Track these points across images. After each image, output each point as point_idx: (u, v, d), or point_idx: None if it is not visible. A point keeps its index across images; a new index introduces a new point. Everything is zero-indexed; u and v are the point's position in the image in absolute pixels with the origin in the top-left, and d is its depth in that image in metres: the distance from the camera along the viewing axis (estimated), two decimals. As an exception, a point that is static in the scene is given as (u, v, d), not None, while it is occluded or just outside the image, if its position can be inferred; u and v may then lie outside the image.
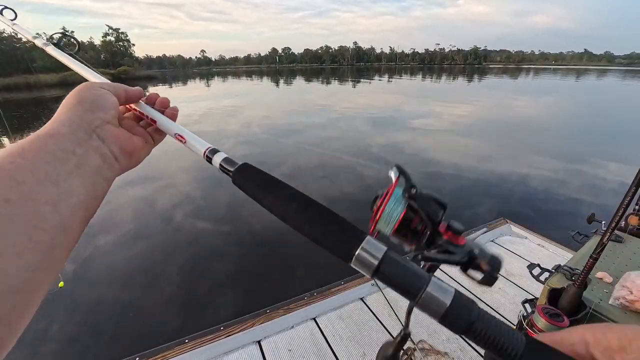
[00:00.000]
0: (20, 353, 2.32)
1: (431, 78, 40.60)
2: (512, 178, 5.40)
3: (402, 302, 1.83)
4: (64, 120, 0.32)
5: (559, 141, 8.33)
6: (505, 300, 1.87)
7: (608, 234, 0.90)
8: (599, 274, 1.19)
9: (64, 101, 0.34)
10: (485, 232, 2.48)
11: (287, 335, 1.58)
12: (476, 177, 5.45)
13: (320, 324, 1.66)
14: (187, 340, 1.54)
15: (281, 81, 38.90)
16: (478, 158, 6.57)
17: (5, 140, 10.50)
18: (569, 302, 0.82)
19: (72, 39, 0.61)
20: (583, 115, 13.36)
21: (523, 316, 0.85)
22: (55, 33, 0.60)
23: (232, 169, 0.37)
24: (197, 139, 0.45)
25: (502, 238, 2.51)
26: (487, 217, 3.94)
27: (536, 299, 0.96)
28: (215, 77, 56.06)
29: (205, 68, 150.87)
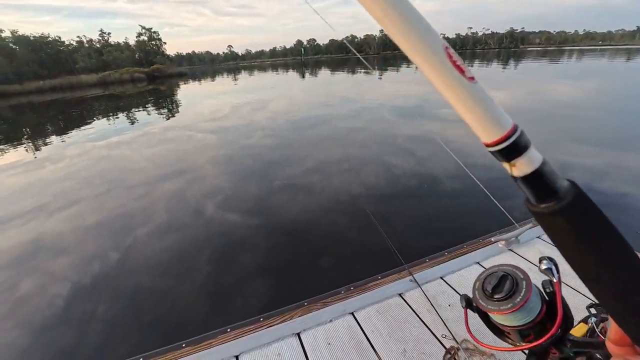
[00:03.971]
0: (71, 332, 2.52)
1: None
2: (557, 168, 5.04)
3: (442, 299, 1.78)
4: None
5: (606, 129, 7.66)
6: None
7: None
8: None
9: None
10: (532, 228, 2.34)
11: (326, 329, 1.59)
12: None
13: (358, 319, 1.65)
14: (229, 330, 1.59)
15: (306, 73, 38.78)
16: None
17: (55, 139, 11.35)
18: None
19: None
20: (635, 99, 12.16)
21: (595, 322, 0.78)
22: None
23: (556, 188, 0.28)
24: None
25: (548, 234, 2.35)
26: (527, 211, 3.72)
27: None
28: (242, 72, 56.99)
29: (232, 63, 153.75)
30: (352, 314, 1.68)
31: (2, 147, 10.54)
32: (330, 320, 1.64)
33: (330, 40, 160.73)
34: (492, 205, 4.05)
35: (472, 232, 2.73)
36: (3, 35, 54.31)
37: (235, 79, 37.72)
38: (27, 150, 9.56)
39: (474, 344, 1.49)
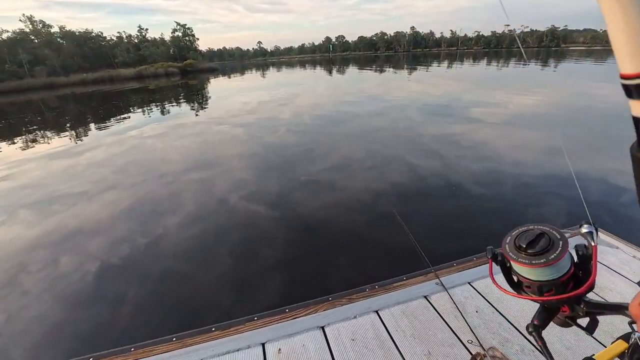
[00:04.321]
0: (104, 311, 2.70)
1: (497, 64, 37.03)
2: (596, 177, 4.73)
3: (469, 305, 1.74)
4: None
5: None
6: (614, 330, 1.66)
7: None
8: None
9: None
10: (570, 237, 2.22)
11: (350, 325, 1.61)
12: (549, 175, 4.89)
13: (382, 317, 1.65)
14: (255, 318, 1.65)
15: (334, 70, 38.69)
16: (551, 153, 5.87)
17: (94, 128, 12.08)
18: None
19: None
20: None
21: (639, 338, 0.75)
22: None
23: None
24: None
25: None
26: (565, 221, 3.53)
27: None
28: (270, 68, 57.77)
29: (261, 59, 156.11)
30: (377, 312, 1.69)
31: (49, 134, 11.37)
32: (355, 317, 1.65)
33: (359, 37, 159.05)
34: (521, 211, 3.89)
35: (500, 239, 2.64)
36: (52, 30, 58.37)
37: (264, 75, 38.32)
38: (69, 138, 10.26)
39: (502, 353, 1.45)
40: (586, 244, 0.65)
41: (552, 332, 1.55)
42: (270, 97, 16.43)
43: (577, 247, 0.66)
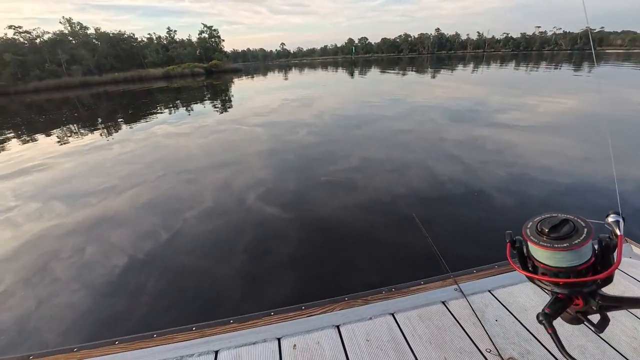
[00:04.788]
0: (124, 301, 2.82)
1: (526, 66, 35.65)
2: (630, 188, 4.47)
3: (488, 313, 1.70)
4: None
5: None
6: (620, 333, 1.59)
7: None
8: None
9: None
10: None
11: (365, 326, 1.61)
12: (579, 184, 4.67)
13: (398, 320, 1.64)
14: (272, 313, 1.68)
15: (356, 72, 38.57)
16: (583, 161, 5.60)
17: (124, 125, 12.63)
18: None
19: None
20: None
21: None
22: None
23: None
24: None
25: (619, 258, 2.12)
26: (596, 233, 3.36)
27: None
28: (293, 69, 58.34)
29: (283, 60, 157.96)
30: (393, 315, 1.68)
31: (82, 130, 12.01)
32: (370, 318, 1.65)
33: (382, 39, 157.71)
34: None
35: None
36: (88, 32, 61.62)
37: (286, 76, 38.75)
38: (100, 134, 10.79)
39: (523, 364, 1.41)
40: (610, 235, 0.64)
41: (575, 345, 1.49)
42: (292, 97, 16.60)
43: (600, 238, 0.64)
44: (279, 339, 1.54)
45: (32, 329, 2.61)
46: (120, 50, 63.37)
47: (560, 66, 33.26)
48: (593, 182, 4.66)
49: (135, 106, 19.13)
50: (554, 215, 0.66)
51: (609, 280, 0.63)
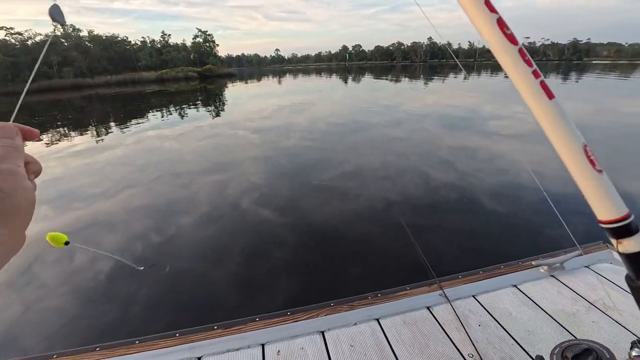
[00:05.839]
0: (114, 312, 2.78)
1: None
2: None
3: (472, 318, 1.72)
4: None
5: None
6: (599, 337, 1.62)
7: None
8: None
9: None
10: (580, 256, 2.16)
11: (350, 331, 1.61)
12: (567, 191, 4.77)
13: (383, 326, 1.65)
14: (257, 319, 1.67)
15: (349, 78, 38.93)
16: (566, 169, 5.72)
17: (116, 128, 12.50)
18: None
19: None
20: None
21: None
22: None
23: None
24: None
25: (600, 265, 2.17)
26: (580, 239, 3.42)
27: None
28: (287, 75, 58.64)
29: (278, 66, 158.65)
30: (378, 320, 1.69)
31: (72, 132, 11.86)
32: (355, 324, 1.65)
33: (375, 46, 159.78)
34: (531, 227, 3.80)
35: (509, 255, 2.59)
36: (81, 34, 61.19)
37: (280, 82, 38.90)
38: (92, 137, 10.67)
39: (504, 369, 1.43)
40: None
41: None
42: (286, 103, 16.66)
43: None
44: (263, 345, 1.53)
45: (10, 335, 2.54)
46: (113, 53, 62.95)
47: (548, 76, 34.07)
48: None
49: (128, 109, 18.97)
50: (579, 342, 0.69)
51: None
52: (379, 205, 4.48)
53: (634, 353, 0.65)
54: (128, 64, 63.96)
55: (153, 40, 74.59)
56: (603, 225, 0.43)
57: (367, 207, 4.41)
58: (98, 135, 10.92)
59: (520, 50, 0.42)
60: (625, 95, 17.41)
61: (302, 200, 4.72)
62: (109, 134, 11.06)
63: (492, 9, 0.38)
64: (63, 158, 7.95)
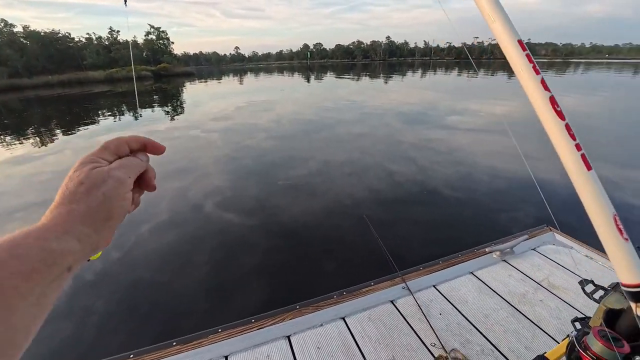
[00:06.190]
0: (69, 324, 2.54)
1: (467, 73, 38.74)
2: (556, 182, 5.02)
3: (433, 308, 1.79)
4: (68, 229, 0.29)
5: (612, 143, 7.64)
6: (547, 314, 1.76)
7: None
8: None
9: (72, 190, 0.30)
10: (527, 240, 2.34)
11: (316, 333, 1.60)
12: (515, 180, 5.15)
13: (349, 324, 1.66)
14: (219, 330, 1.60)
15: (312, 77, 38.98)
16: (517, 160, 6.19)
17: (59, 133, 11.43)
18: (629, 326, 0.74)
19: None
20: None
21: (575, 337, 0.79)
22: None
23: None
24: None
25: (544, 247, 2.36)
26: (527, 223, 3.72)
27: (588, 318, 0.89)
28: (248, 73, 57.36)
29: (238, 64, 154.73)
30: (344, 319, 1.69)
31: (8, 139, 10.64)
32: (321, 325, 1.65)
33: (336, 45, 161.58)
34: (487, 215, 4.06)
35: (466, 242, 2.74)
36: (15, 30, 55.13)
37: (241, 81, 37.96)
38: (32, 144, 9.65)
39: (463, 355, 1.49)
40: None
41: (509, 331, 1.62)
42: (249, 103, 16.28)
43: None
44: (226, 357, 1.47)
45: None
46: (54, 51, 57.61)
47: (496, 73, 36.61)
48: (524, 178, 5.15)
49: (73, 112, 17.43)
50: None
51: None
52: (344, 201, 4.52)
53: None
54: (72, 62, 58.89)
55: (100, 37, 69.29)
56: (625, 289, 0.47)
57: (332, 204, 4.43)
58: (41, 142, 9.91)
59: (567, 126, 0.49)
60: (559, 91, 19.21)
61: (267, 201, 4.63)
62: (54, 140, 10.09)
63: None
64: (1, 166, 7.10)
